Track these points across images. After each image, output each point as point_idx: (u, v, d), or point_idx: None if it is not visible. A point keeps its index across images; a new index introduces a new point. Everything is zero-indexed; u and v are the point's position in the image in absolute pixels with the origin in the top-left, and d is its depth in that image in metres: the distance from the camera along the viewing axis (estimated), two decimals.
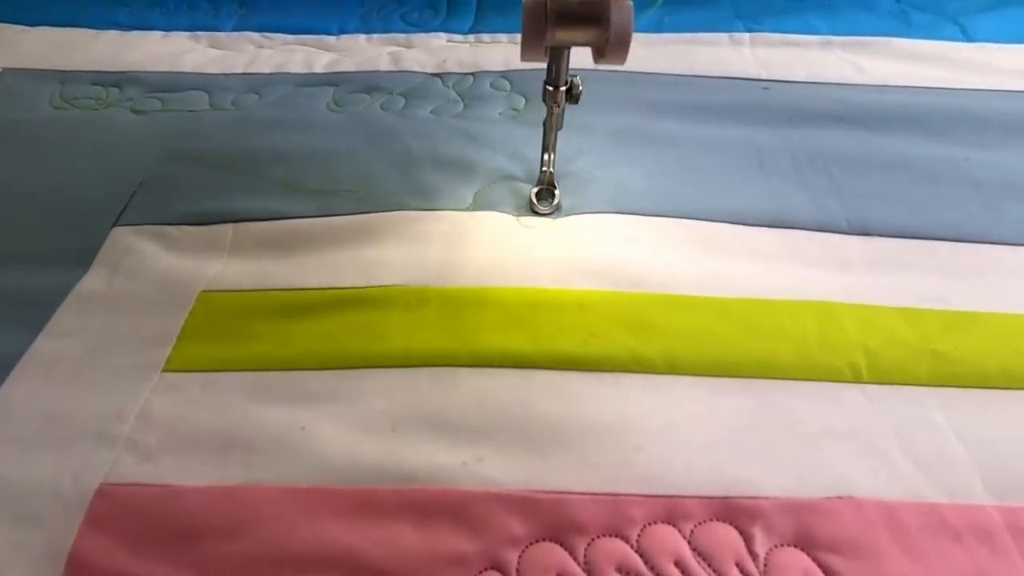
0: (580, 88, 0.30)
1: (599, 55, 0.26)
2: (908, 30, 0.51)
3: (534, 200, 0.34)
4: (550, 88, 0.31)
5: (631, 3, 0.25)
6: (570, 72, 0.31)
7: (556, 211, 0.33)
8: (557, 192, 0.34)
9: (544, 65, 0.47)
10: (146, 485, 0.22)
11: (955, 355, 0.27)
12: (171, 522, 0.22)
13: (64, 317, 0.28)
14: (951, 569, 0.21)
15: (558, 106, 0.31)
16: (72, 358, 0.27)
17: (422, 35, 0.51)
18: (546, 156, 0.33)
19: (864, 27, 0.51)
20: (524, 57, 0.26)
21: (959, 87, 0.45)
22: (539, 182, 0.34)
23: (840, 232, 0.34)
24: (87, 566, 0.21)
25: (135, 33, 0.51)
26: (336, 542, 0.21)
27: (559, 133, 0.34)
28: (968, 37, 0.51)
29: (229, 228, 0.32)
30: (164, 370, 0.26)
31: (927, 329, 0.28)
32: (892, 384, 0.26)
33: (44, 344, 0.27)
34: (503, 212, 0.34)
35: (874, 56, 0.48)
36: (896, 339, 0.27)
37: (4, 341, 0.27)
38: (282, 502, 0.22)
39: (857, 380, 0.26)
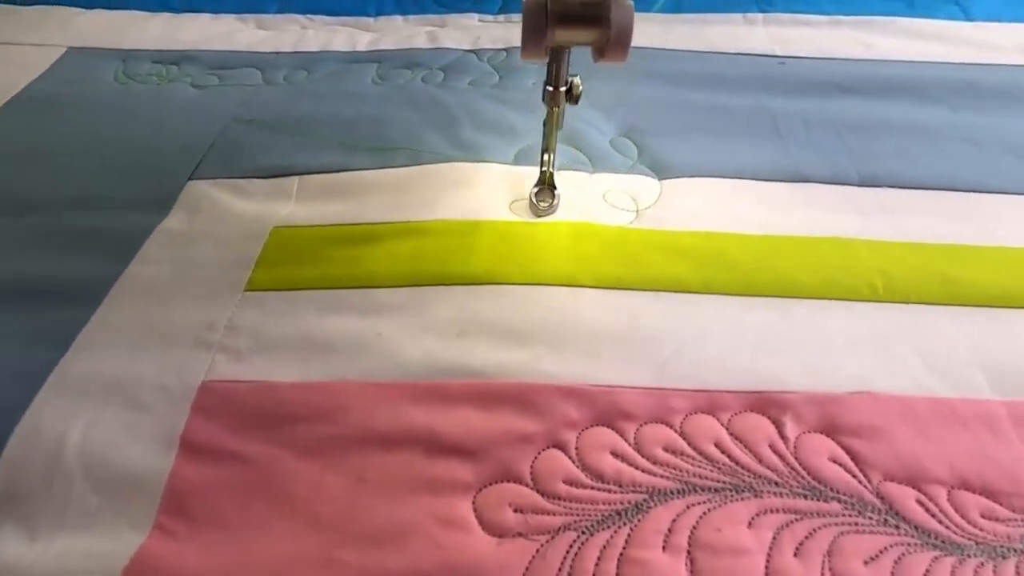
0: (580, 88, 0.30)
1: (599, 54, 0.26)
2: (911, 10, 0.54)
3: (533, 199, 0.33)
4: (550, 89, 0.30)
5: (631, 3, 0.25)
6: (570, 73, 0.30)
7: (554, 211, 0.33)
8: (557, 192, 0.33)
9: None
10: (242, 381, 0.25)
11: (962, 278, 0.30)
12: (267, 410, 0.24)
13: (152, 249, 0.31)
14: (958, 450, 0.23)
15: (558, 107, 0.30)
16: (162, 281, 0.30)
17: (455, 16, 0.54)
18: (546, 156, 0.33)
19: (870, 7, 0.55)
20: (525, 57, 0.27)
21: (960, 61, 0.48)
22: (539, 181, 0.34)
23: (851, 184, 0.36)
24: (199, 444, 0.24)
25: (186, 15, 0.55)
26: (413, 423, 0.24)
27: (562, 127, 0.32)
28: (968, 16, 0.54)
29: (295, 180, 0.36)
30: (246, 289, 0.29)
31: (936, 258, 0.31)
32: (907, 303, 0.29)
33: (136, 270, 0.30)
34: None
35: (880, 34, 0.52)
36: (908, 264, 0.30)
37: (99, 268, 0.30)
38: (363, 393, 0.25)
39: (875, 298, 0.29)
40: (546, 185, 0.34)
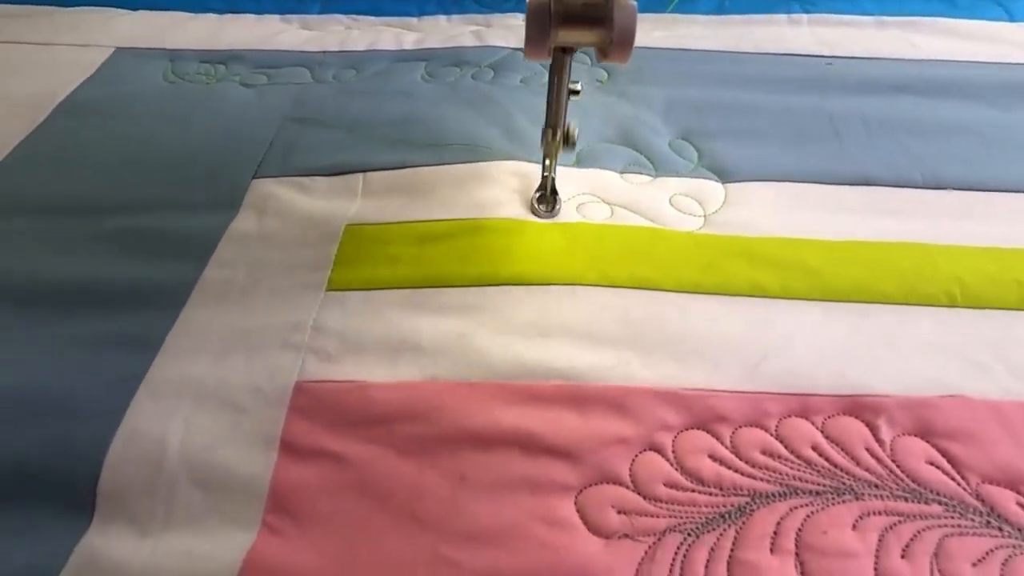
0: (575, 137, 0.31)
1: (602, 55, 0.27)
2: (954, 10, 0.54)
3: (535, 204, 0.34)
4: (549, 130, 0.31)
5: (634, 3, 0.25)
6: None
7: (556, 215, 0.33)
8: (558, 198, 0.34)
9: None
10: (335, 381, 0.26)
11: None
12: (363, 410, 0.25)
13: (225, 251, 0.32)
14: None
15: (554, 139, 0.31)
16: (240, 283, 0.30)
17: (499, 16, 0.54)
18: (547, 162, 0.33)
19: (912, 8, 0.54)
20: (528, 57, 0.27)
21: (1006, 61, 0.48)
22: (540, 187, 0.34)
23: (916, 187, 0.36)
24: (299, 444, 0.24)
25: (229, 16, 0.55)
26: (508, 424, 0.24)
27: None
28: (1011, 17, 0.54)
29: (359, 176, 0.36)
30: (327, 289, 0.29)
31: (1009, 264, 0.31)
32: (984, 308, 0.29)
33: (212, 273, 0.30)
34: (607, 169, 0.37)
35: (925, 34, 0.51)
36: (983, 271, 0.30)
37: (176, 271, 0.30)
38: (456, 393, 0.25)
39: (953, 305, 0.29)
40: (547, 192, 0.34)
